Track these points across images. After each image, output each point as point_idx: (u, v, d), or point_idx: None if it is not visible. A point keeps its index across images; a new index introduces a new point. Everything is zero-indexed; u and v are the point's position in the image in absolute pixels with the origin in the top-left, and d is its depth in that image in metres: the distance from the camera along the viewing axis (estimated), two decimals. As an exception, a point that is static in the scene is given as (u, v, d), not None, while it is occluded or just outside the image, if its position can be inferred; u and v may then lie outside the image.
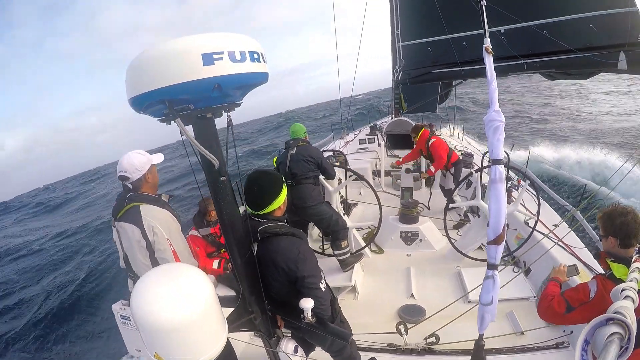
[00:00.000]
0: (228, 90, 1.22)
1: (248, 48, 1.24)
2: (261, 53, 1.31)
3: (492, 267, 1.26)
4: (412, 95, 8.04)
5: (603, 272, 1.85)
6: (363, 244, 4.32)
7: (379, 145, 7.14)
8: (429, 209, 5.57)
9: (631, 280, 1.45)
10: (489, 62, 1.30)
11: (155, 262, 2.20)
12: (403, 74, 6.68)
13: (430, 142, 5.30)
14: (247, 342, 2.84)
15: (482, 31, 1.44)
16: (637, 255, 1.67)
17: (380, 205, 4.00)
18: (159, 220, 2.21)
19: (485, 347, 1.92)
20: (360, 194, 6.27)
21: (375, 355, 2.82)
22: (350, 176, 4.96)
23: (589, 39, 4.42)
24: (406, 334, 2.99)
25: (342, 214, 4.13)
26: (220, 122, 1.42)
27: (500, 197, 1.21)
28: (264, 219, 1.90)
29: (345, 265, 3.86)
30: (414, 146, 5.81)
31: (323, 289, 1.93)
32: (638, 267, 1.55)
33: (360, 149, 7.59)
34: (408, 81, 6.81)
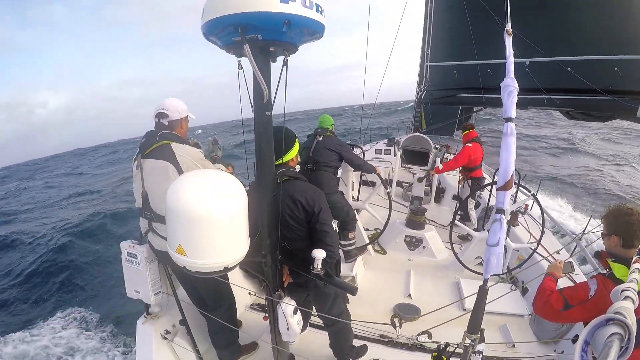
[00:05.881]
0: (295, 29, 1.37)
1: (315, 0, 1.41)
2: (323, 9, 1.47)
3: (499, 211, 1.37)
4: (433, 116, 8.21)
5: (603, 271, 1.89)
6: (368, 241, 4.41)
7: (395, 156, 7.29)
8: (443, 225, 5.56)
9: (631, 281, 1.47)
10: (509, 42, 1.50)
11: None
12: (427, 93, 6.88)
13: (465, 144, 5.15)
14: (248, 295, 2.90)
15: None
16: (638, 256, 1.70)
17: (390, 206, 4.12)
18: (193, 156, 2.26)
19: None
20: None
21: (367, 343, 2.87)
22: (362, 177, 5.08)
23: (611, 82, 4.54)
24: (399, 328, 3.05)
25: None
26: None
27: (510, 147, 1.36)
28: (281, 168, 2.10)
29: (349, 256, 3.96)
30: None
31: (334, 228, 2.11)
32: (638, 268, 1.57)
33: (376, 158, 7.73)
34: (430, 101, 7.01)
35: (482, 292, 1.43)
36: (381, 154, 7.84)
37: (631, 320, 1.12)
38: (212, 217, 1.40)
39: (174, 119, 2.35)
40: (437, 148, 6.99)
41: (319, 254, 1.87)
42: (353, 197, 5.06)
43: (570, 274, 2.78)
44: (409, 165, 7.16)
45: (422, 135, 7.15)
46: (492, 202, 4.95)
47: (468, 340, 1.42)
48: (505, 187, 1.35)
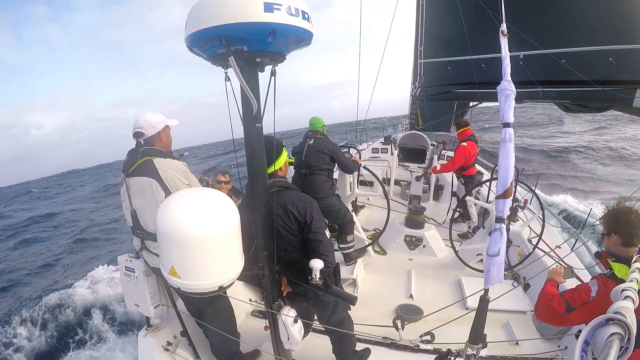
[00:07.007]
0: (280, 38, 1.33)
1: (301, 8, 1.37)
2: (310, 15, 1.44)
3: (499, 220, 1.34)
4: (429, 113, 8.19)
5: (604, 272, 1.87)
6: (367, 242, 4.39)
7: (392, 154, 7.28)
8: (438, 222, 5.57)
9: (631, 281, 1.44)
10: (504, 43, 1.47)
11: None
12: (421, 90, 6.85)
13: (461, 143, 5.18)
14: (248, 302, 2.88)
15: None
16: (638, 255, 1.69)
17: (389, 207, 4.09)
18: (176, 170, 2.21)
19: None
20: (368, 199, 6.36)
21: (369, 347, 2.85)
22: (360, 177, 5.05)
23: (606, 72, 4.51)
24: (402, 329, 3.03)
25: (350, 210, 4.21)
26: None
27: (509, 154, 1.33)
28: (271, 179, 2.05)
29: (349, 259, 3.93)
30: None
31: (327, 236, 2.07)
32: (638, 268, 1.55)
33: (373, 157, 7.71)
34: (425, 98, 6.98)
35: (483, 303, 1.39)
36: (378, 152, 7.82)
37: (631, 320, 1.10)
38: (204, 237, 1.36)
39: (150, 135, 2.29)
40: (434, 145, 6.98)
41: (317, 264, 1.84)
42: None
43: (576, 275, 2.76)
44: (406, 164, 7.13)
45: (418, 132, 7.13)
46: (491, 198, 4.93)
47: (470, 351, 1.39)
48: (505, 195, 1.32)
